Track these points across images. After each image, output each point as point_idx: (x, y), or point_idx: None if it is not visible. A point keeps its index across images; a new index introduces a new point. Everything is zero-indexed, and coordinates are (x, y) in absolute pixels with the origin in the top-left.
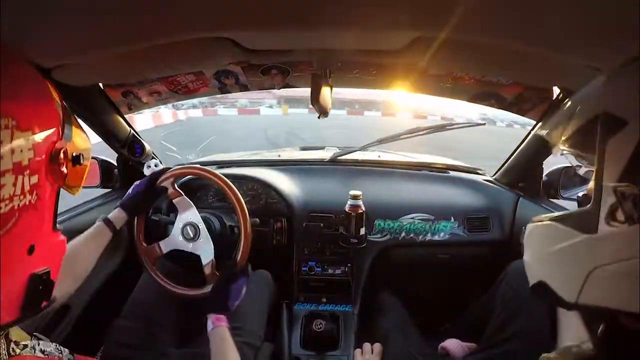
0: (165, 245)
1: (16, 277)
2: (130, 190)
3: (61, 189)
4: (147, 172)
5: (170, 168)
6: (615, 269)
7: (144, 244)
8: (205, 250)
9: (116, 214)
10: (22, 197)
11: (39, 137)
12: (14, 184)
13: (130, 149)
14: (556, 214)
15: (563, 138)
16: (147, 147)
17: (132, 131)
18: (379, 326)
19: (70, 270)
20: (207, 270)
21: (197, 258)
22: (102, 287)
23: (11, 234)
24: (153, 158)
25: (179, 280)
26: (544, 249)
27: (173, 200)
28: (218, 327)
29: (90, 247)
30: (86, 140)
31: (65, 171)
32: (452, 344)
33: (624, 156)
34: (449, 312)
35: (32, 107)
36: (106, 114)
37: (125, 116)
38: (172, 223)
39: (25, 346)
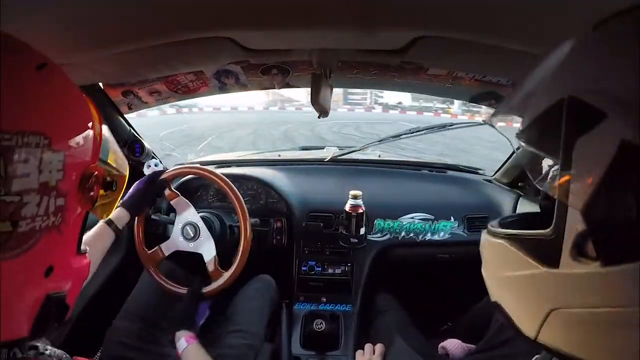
0: (166, 248)
1: (30, 296)
2: (130, 190)
3: None
4: (147, 171)
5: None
6: (581, 314)
7: (145, 249)
8: (207, 248)
9: (118, 214)
10: (45, 218)
11: (71, 158)
12: (38, 204)
13: (130, 148)
14: (510, 231)
15: (520, 128)
16: (147, 146)
17: (132, 131)
18: (379, 326)
19: None
20: (210, 268)
21: (197, 258)
22: (102, 287)
23: (29, 254)
24: (153, 157)
25: (179, 280)
26: (499, 271)
27: (171, 202)
28: (192, 344)
29: (94, 250)
30: (123, 167)
31: (94, 196)
32: (452, 344)
33: (599, 165)
34: (449, 311)
35: (69, 126)
36: (106, 114)
37: (125, 115)
38: (172, 222)
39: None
